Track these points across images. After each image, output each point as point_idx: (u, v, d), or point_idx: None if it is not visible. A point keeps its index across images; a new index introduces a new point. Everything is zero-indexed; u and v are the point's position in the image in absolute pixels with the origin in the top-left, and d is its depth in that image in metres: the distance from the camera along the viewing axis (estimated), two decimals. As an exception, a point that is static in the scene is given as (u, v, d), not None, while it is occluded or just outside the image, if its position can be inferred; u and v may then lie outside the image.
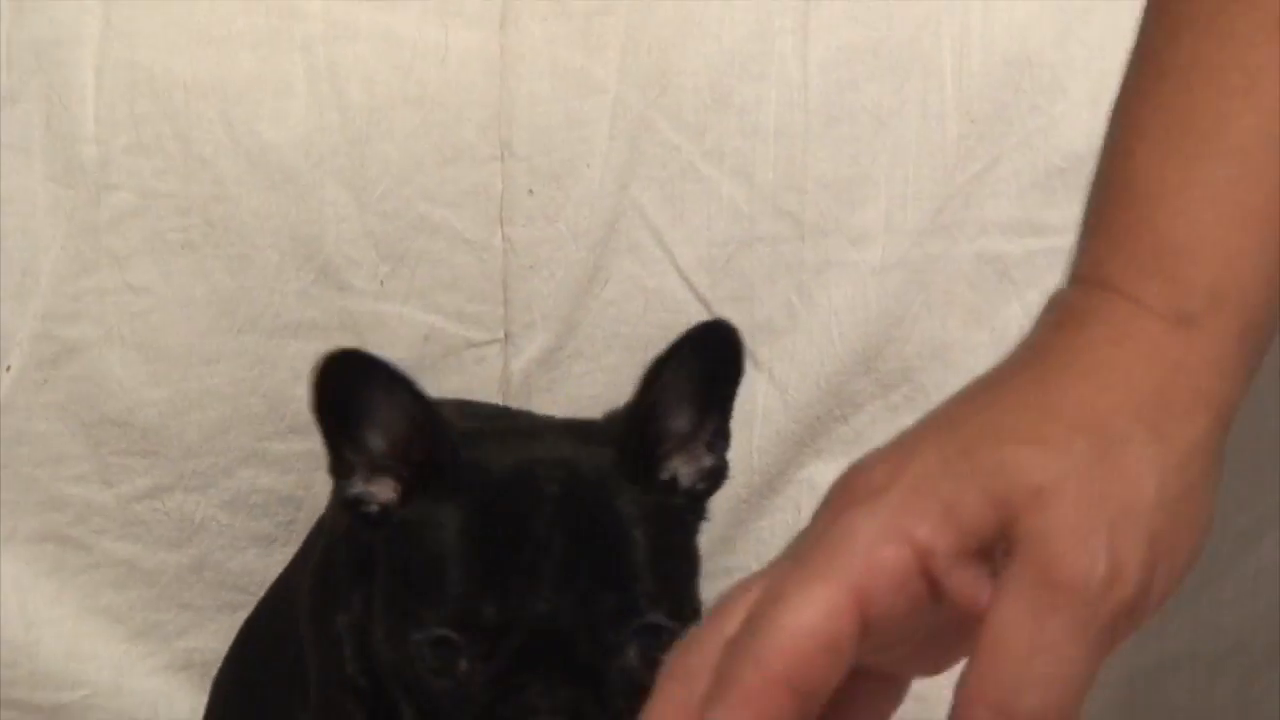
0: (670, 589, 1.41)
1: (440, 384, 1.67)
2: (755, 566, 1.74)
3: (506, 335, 1.76)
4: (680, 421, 1.44)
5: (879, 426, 1.79)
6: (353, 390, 1.40)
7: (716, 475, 1.48)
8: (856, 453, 1.72)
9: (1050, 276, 1.74)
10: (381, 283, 1.67)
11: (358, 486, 1.43)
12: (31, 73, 1.77)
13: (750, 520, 1.82)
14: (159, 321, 1.68)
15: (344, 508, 1.46)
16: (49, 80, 1.76)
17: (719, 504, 1.74)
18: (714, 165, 1.76)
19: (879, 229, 1.74)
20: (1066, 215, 1.75)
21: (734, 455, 1.71)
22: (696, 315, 1.74)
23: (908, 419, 1.66)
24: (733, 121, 1.72)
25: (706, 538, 1.75)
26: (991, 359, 1.85)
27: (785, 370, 1.77)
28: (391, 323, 1.66)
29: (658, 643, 1.36)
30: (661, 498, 1.43)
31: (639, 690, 1.27)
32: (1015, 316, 1.76)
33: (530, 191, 1.70)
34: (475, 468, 1.41)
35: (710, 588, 1.81)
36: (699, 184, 1.77)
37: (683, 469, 1.43)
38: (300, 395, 1.48)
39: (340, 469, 1.43)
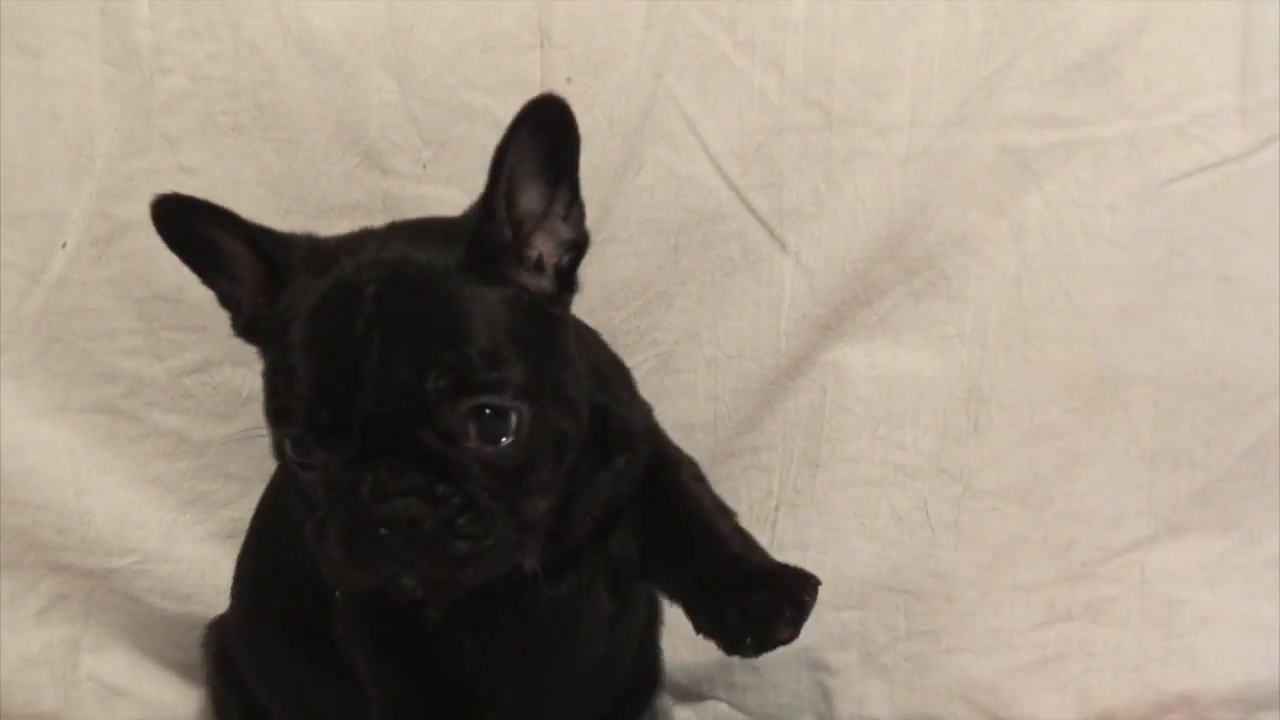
0: (522, 375, 1.45)
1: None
2: (780, 446, 1.79)
3: (544, 219, 1.82)
4: (533, 200, 1.49)
5: (902, 311, 1.86)
6: (185, 229, 1.50)
7: (579, 246, 1.53)
8: (879, 337, 1.81)
9: (1068, 168, 1.84)
10: (424, 166, 1.73)
11: (242, 319, 1.53)
12: (88, -41, 1.82)
13: (776, 401, 1.88)
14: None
15: (225, 308, 1.53)
16: (105, -34, 1.80)
17: (746, 385, 1.88)
18: (745, 56, 1.81)
19: (905, 120, 1.80)
20: (1086, 108, 1.83)
21: (761, 338, 1.86)
22: (727, 201, 1.84)
23: (930, 305, 1.76)
24: (764, 13, 1.77)
25: (734, 417, 1.90)
26: (1011, 247, 1.89)
27: (812, 256, 1.83)
28: (432, 205, 1.69)
29: (502, 424, 1.44)
30: (515, 289, 1.48)
31: (492, 471, 1.44)
32: (1035, 207, 1.83)
33: (568, 80, 1.75)
34: (309, 279, 1.48)
35: (736, 464, 1.93)
36: (730, 74, 1.82)
37: (545, 246, 1.47)
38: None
39: (212, 285, 1.52)
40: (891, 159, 1.88)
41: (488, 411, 1.44)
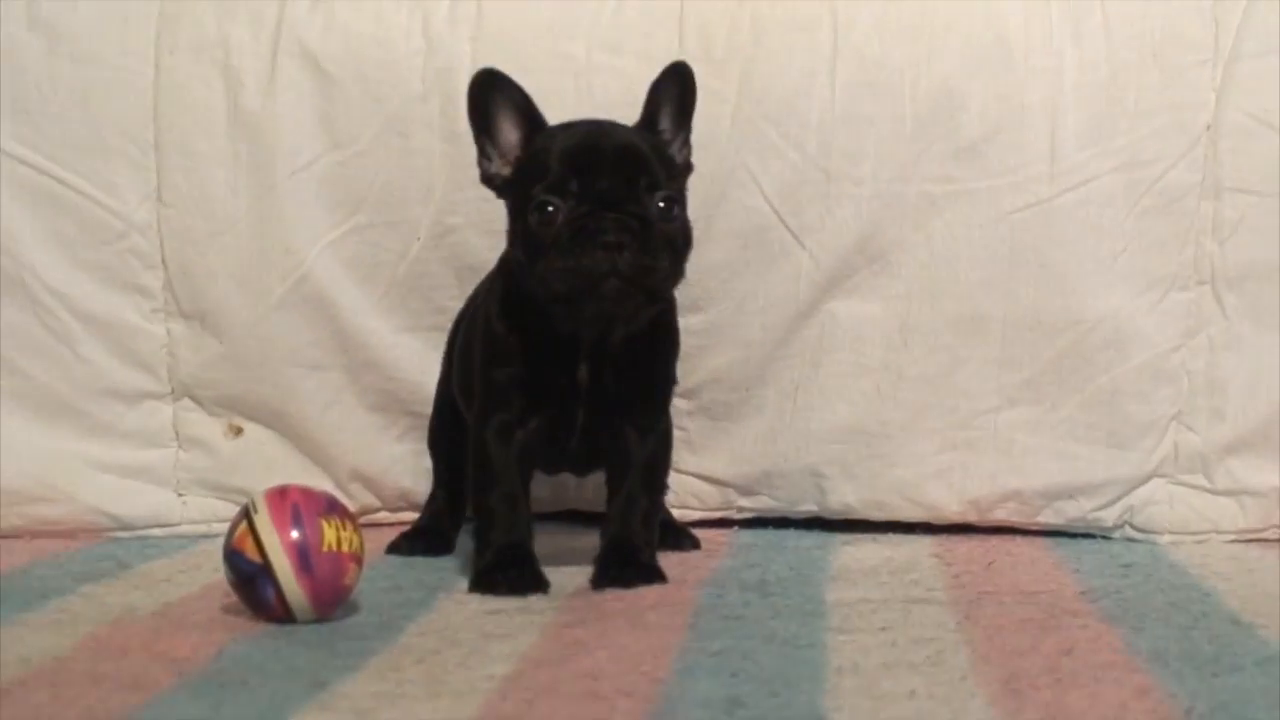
0: (678, 191, 2.06)
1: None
2: (799, 354, 2.65)
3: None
4: (667, 126, 2.12)
5: (866, 282, 2.55)
6: (486, 101, 2.08)
7: (686, 167, 2.13)
8: (854, 296, 2.60)
9: (956, 205, 2.52)
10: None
11: (491, 169, 2.12)
12: None
13: (796, 330, 2.56)
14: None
15: (484, 182, 2.11)
16: None
17: (779, 321, 2.55)
18: (784, 141, 2.55)
19: (869, 176, 2.54)
20: (966, 172, 2.51)
21: (788, 295, 2.52)
22: (772, 221, 2.54)
23: (881, 279, 2.60)
24: (794, 120, 2.56)
25: (772, 339, 2.54)
26: (925, 247, 2.64)
27: (816, 251, 2.56)
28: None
29: (670, 209, 2.03)
30: (669, 157, 2.09)
31: (662, 233, 2.01)
32: (938, 226, 2.53)
33: None
34: (556, 131, 2.07)
35: (777, 364, 2.56)
36: (774, 150, 2.53)
37: (672, 152, 2.10)
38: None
39: (483, 159, 2.11)
40: (862, 198, 2.51)
41: (662, 204, 2.03)
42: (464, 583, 2.14)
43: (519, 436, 2.14)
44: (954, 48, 2.48)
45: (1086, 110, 2.47)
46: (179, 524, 2.58)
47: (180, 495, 2.60)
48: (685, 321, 2.41)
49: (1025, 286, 2.51)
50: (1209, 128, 2.47)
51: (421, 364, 2.58)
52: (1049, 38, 2.48)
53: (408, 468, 2.63)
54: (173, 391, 2.59)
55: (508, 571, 2.10)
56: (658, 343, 2.19)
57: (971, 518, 2.55)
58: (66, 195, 2.54)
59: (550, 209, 1.99)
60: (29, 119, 2.54)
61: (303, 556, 1.87)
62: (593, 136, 2.06)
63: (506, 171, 2.09)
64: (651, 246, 1.99)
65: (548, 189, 2.00)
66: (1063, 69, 2.47)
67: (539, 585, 2.09)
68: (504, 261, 2.18)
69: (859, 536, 2.51)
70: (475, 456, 2.16)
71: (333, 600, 1.91)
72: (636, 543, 2.17)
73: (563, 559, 2.25)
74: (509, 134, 2.10)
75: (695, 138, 2.22)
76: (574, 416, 2.16)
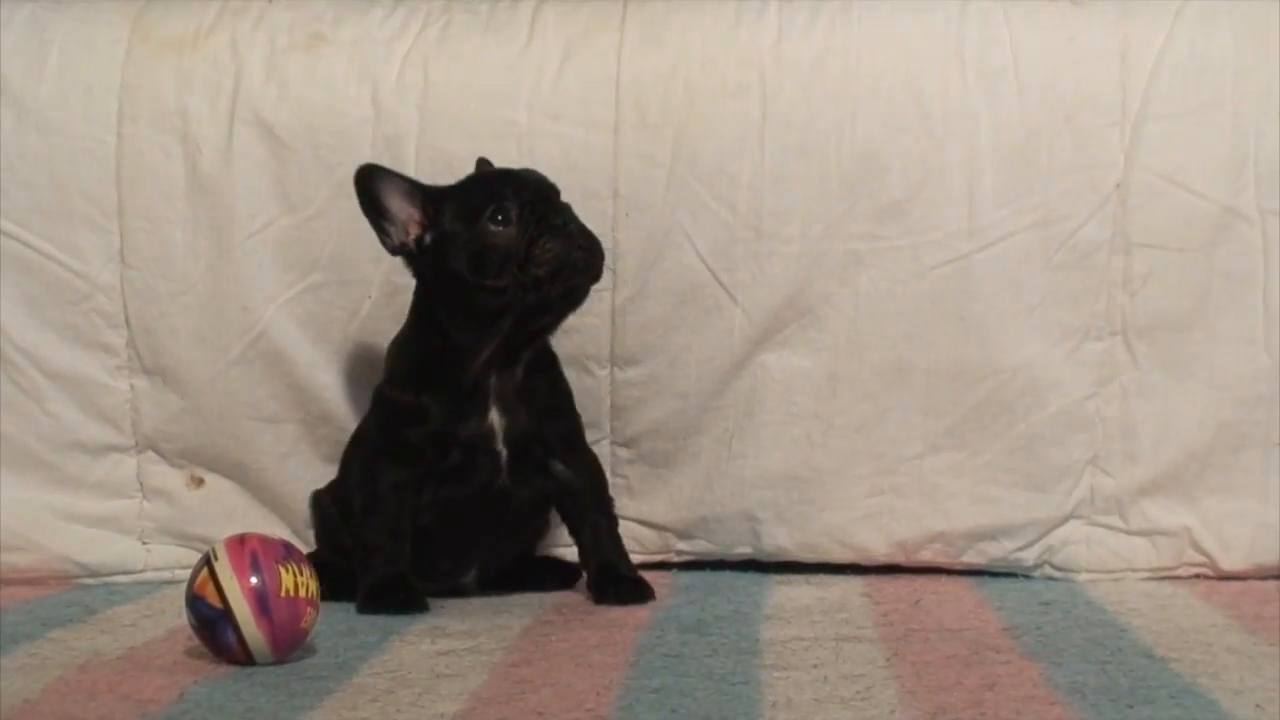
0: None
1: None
2: (732, 405, 2.67)
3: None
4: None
5: (796, 335, 2.57)
6: (373, 189, 2.25)
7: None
8: (785, 348, 2.62)
9: (881, 261, 2.55)
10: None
11: (396, 240, 2.28)
12: None
13: (731, 382, 2.59)
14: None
15: (395, 254, 2.30)
16: None
17: (713, 373, 2.58)
18: (716, 202, 2.60)
19: (796, 235, 2.58)
20: (891, 230, 2.57)
21: (722, 349, 2.55)
22: (706, 278, 2.58)
23: (810, 332, 2.62)
24: (723, 181, 2.61)
25: (708, 390, 2.57)
26: (852, 301, 2.64)
27: (749, 305, 2.58)
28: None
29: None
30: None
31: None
32: (864, 281, 2.57)
33: (627, 215, 2.59)
34: (466, 190, 2.28)
35: (712, 414, 2.59)
36: (708, 211, 2.60)
37: None
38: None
39: (385, 238, 2.28)
40: (791, 255, 2.54)
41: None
42: (417, 624, 2.17)
43: (414, 502, 2.31)
44: (876, 112, 2.52)
45: (1002, 170, 2.52)
46: (144, 571, 2.61)
47: (145, 544, 2.64)
48: (624, 374, 2.57)
49: (947, 338, 2.55)
50: (1118, 186, 2.52)
51: (374, 417, 2.48)
52: (965, 101, 2.53)
53: (361, 516, 2.52)
54: (136, 445, 2.63)
55: (395, 594, 2.23)
56: (555, 383, 2.37)
57: (899, 559, 2.58)
58: (33, 259, 2.58)
59: (508, 210, 2.21)
60: (-3, 187, 2.51)
61: (261, 601, 1.90)
62: (508, 171, 2.32)
63: (409, 236, 2.27)
64: (586, 229, 2.26)
65: (507, 198, 2.23)
66: (979, 131, 2.52)
67: (420, 606, 2.23)
68: (410, 326, 2.36)
69: (792, 577, 2.53)
70: (365, 497, 2.31)
71: (290, 643, 1.93)
72: (621, 562, 2.38)
73: (510, 604, 2.31)
74: (401, 209, 2.26)
75: (633, 200, 2.47)
76: (496, 457, 2.30)
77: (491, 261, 2.20)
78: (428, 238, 2.25)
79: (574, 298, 2.25)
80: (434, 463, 2.27)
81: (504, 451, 2.30)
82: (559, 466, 2.36)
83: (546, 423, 2.33)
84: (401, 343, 2.36)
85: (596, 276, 2.24)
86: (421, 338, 2.31)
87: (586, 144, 2.52)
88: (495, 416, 2.30)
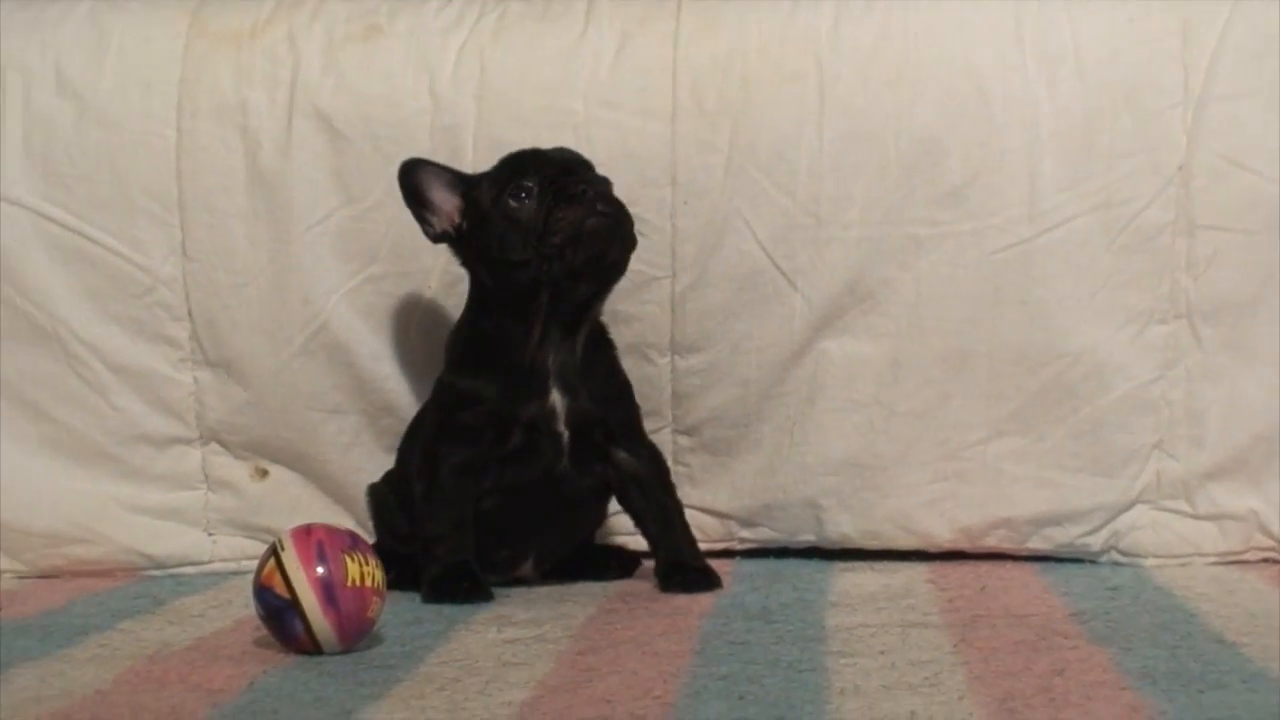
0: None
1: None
2: (794, 392, 2.67)
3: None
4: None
5: (857, 321, 2.55)
6: (414, 183, 2.30)
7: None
8: (846, 334, 2.62)
9: (942, 246, 2.54)
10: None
11: (438, 229, 2.32)
12: None
13: (792, 368, 2.58)
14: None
15: (437, 242, 2.34)
16: None
17: (775, 360, 2.58)
18: (776, 189, 2.59)
19: (856, 220, 2.56)
20: (952, 215, 2.53)
21: (782, 335, 2.54)
22: (766, 264, 2.56)
23: (871, 318, 2.61)
24: (784, 167, 2.60)
25: (770, 377, 2.57)
26: (913, 287, 2.64)
27: (809, 292, 2.57)
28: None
29: (609, 183, 2.29)
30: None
31: (613, 192, 2.26)
32: (924, 266, 2.55)
33: (685, 202, 2.59)
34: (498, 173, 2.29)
35: (774, 401, 2.59)
36: (767, 198, 2.59)
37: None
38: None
39: (427, 228, 2.32)
40: (850, 241, 2.53)
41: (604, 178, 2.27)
42: (482, 613, 2.17)
43: (475, 488, 2.31)
44: (934, 98, 2.51)
45: (1063, 154, 2.50)
46: (210, 562, 2.63)
47: (210, 535, 2.65)
48: (685, 362, 2.58)
49: (1009, 323, 2.53)
50: (1181, 168, 2.50)
51: (435, 406, 2.49)
52: (1025, 86, 2.51)
53: (424, 504, 2.53)
54: (201, 437, 2.64)
55: (460, 583, 2.23)
56: (612, 368, 2.38)
57: (963, 545, 2.56)
58: (96, 252, 2.59)
59: (530, 185, 2.23)
60: (60, 181, 2.59)
61: (328, 591, 1.90)
62: (535, 150, 2.32)
63: (452, 224, 2.31)
64: (613, 197, 2.24)
65: (526, 175, 2.25)
66: (1039, 116, 2.51)
67: (485, 595, 2.23)
68: (466, 313, 2.39)
69: (856, 564, 2.52)
70: (425, 484, 2.32)
71: (357, 632, 1.93)
72: (689, 551, 2.36)
73: (574, 593, 2.31)
74: (445, 199, 2.30)
75: (691, 187, 2.49)
76: (558, 438, 2.29)
77: (513, 237, 2.22)
78: (465, 224, 2.29)
79: (602, 264, 2.24)
80: (494, 446, 2.27)
81: (566, 434, 2.30)
82: (621, 454, 2.35)
83: (608, 409, 2.32)
84: (458, 330, 2.38)
85: (624, 240, 2.24)
86: (475, 323, 2.33)
87: (643, 132, 2.52)
88: (557, 397, 2.30)
